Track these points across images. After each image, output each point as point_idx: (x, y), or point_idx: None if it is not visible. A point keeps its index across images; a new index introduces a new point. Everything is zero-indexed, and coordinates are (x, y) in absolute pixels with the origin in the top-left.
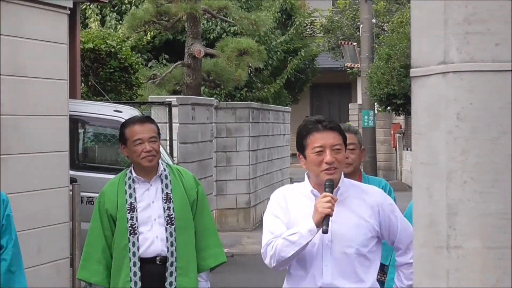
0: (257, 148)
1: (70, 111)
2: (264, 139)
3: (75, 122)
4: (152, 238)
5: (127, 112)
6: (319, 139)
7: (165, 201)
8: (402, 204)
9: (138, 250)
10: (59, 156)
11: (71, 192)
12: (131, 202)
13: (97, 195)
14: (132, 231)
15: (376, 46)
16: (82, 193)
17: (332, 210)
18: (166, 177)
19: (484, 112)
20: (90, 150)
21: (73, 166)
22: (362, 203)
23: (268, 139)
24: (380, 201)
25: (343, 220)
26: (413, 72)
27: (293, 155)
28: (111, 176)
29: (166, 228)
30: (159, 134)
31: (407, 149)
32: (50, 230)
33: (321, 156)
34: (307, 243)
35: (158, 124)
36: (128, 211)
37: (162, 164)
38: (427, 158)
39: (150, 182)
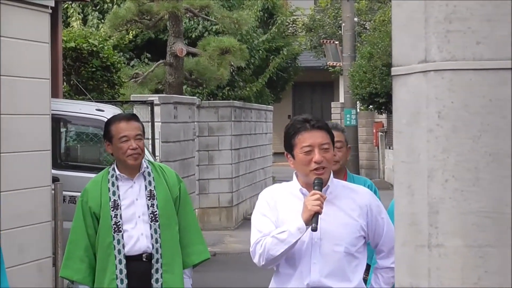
0: (239, 147)
1: (52, 110)
2: (246, 138)
3: (57, 121)
4: (137, 235)
5: (109, 111)
6: (308, 138)
7: (148, 198)
8: (385, 203)
9: (123, 248)
10: (41, 155)
11: (53, 191)
12: (114, 200)
13: (79, 194)
14: (116, 229)
15: (358, 44)
16: (64, 192)
17: (321, 208)
18: (149, 174)
19: (465, 110)
20: (72, 149)
21: (56, 165)
22: (351, 203)
23: (250, 138)
24: (369, 202)
25: (332, 218)
26: (394, 70)
27: (275, 153)
28: (94, 175)
29: (150, 225)
30: (143, 132)
31: (390, 148)
32: (32, 229)
33: (310, 155)
34: (296, 241)
35: None
36: (112, 209)
37: (144, 161)
38: (408, 157)
39: (133, 180)
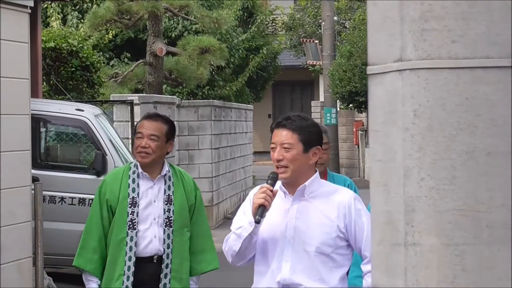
0: (219, 146)
1: (31, 110)
2: (226, 137)
3: (37, 121)
4: (151, 237)
5: (89, 111)
6: (274, 136)
7: (166, 202)
8: (365, 201)
9: (135, 246)
10: (21, 155)
11: (33, 191)
12: (133, 197)
13: (59, 194)
14: (131, 226)
15: (338, 43)
16: (44, 192)
17: (267, 201)
18: (169, 178)
19: (440, 109)
20: (52, 149)
21: (35, 165)
22: (330, 203)
23: (230, 137)
24: (348, 204)
25: (307, 218)
26: (370, 69)
27: (256, 152)
28: (74, 175)
29: (164, 229)
30: (169, 135)
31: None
32: (12, 229)
33: (274, 152)
34: (251, 236)
35: (120, 123)
36: (130, 205)
37: (167, 164)
38: (384, 155)
39: (154, 181)
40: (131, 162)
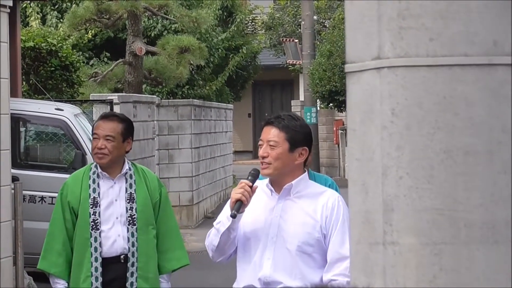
0: (199, 146)
1: (11, 109)
2: (206, 136)
3: (16, 121)
4: (115, 236)
5: (68, 110)
6: (262, 133)
7: (128, 201)
8: (345, 200)
9: (100, 246)
10: (1, 155)
11: (13, 191)
12: (94, 197)
13: (39, 193)
14: (94, 227)
15: (318, 43)
16: (24, 192)
17: (245, 196)
18: (130, 176)
19: (418, 107)
20: (32, 149)
21: (15, 164)
22: (315, 204)
23: (210, 136)
24: (332, 206)
25: (290, 217)
26: (347, 67)
27: (236, 152)
28: (53, 175)
29: (127, 228)
30: (126, 134)
31: None
32: None
33: (261, 149)
34: (229, 231)
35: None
36: (91, 206)
37: (128, 163)
38: (362, 154)
39: (114, 180)
40: (92, 163)
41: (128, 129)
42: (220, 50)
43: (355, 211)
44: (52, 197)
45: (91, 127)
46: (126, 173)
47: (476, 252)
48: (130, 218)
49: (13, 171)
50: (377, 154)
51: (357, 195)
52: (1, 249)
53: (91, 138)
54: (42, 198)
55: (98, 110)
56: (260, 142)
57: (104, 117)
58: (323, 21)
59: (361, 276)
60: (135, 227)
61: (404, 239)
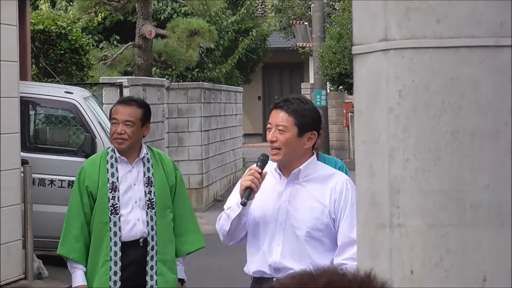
0: (209, 129)
1: (20, 92)
2: (216, 119)
3: (26, 104)
4: (134, 220)
5: (78, 93)
6: (271, 116)
7: (146, 184)
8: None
9: (119, 230)
10: (10, 138)
11: (22, 174)
12: (113, 182)
13: (49, 176)
14: (113, 211)
15: (328, 25)
16: (33, 175)
17: (255, 183)
18: (148, 160)
19: (425, 89)
20: (41, 132)
21: (25, 148)
22: (324, 188)
23: (220, 119)
24: (340, 189)
25: (299, 202)
26: (354, 49)
27: (246, 135)
28: (63, 158)
29: (146, 212)
30: (145, 119)
31: None
32: (1, 212)
33: (269, 133)
34: (240, 217)
35: (109, 105)
36: (110, 190)
37: (144, 147)
38: (368, 136)
39: (132, 164)
40: (108, 147)
41: (146, 114)
42: (229, 33)
43: (362, 193)
44: (62, 180)
45: (100, 110)
46: (144, 157)
47: (483, 233)
48: (148, 202)
49: (23, 154)
50: (384, 136)
51: (363, 177)
52: (10, 232)
53: (100, 122)
54: (51, 181)
55: (107, 93)
56: (268, 126)
57: (122, 101)
58: (333, 3)
59: (367, 258)
60: (153, 210)
61: (410, 221)
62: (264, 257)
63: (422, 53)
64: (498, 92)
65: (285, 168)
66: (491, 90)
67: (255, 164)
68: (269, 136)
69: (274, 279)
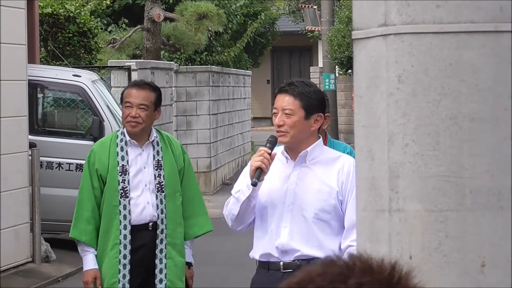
0: (217, 112)
1: (29, 76)
2: (224, 102)
3: (34, 87)
4: (144, 204)
5: (86, 76)
6: (276, 101)
7: (156, 168)
8: None
9: (129, 214)
10: (18, 121)
11: (30, 157)
12: (123, 165)
13: (57, 159)
14: (123, 194)
15: (337, 9)
16: (41, 158)
17: (265, 164)
18: (157, 143)
19: (424, 74)
20: (49, 115)
21: (33, 131)
22: (330, 170)
23: (228, 102)
24: (347, 171)
25: (306, 184)
26: (354, 34)
27: (254, 118)
28: (71, 141)
29: (156, 195)
30: (158, 103)
31: None
32: (8, 195)
33: (275, 117)
34: (249, 199)
35: (117, 89)
36: (120, 174)
37: (154, 130)
38: (368, 121)
39: (142, 148)
40: (118, 130)
41: (159, 98)
42: (238, 16)
43: (361, 177)
44: (70, 164)
45: (108, 94)
46: (153, 140)
47: (482, 218)
48: (158, 185)
49: (31, 137)
50: (383, 121)
51: (363, 162)
52: (18, 215)
53: (108, 105)
54: (59, 164)
55: (116, 77)
56: (274, 111)
57: (136, 85)
58: None
59: (367, 243)
60: (163, 194)
61: (409, 206)
62: (272, 239)
63: (421, 38)
64: (497, 77)
65: (292, 151)
66: (490, 75)
67: (264, 146)
68: (276, 120)
69: (281, 262)
